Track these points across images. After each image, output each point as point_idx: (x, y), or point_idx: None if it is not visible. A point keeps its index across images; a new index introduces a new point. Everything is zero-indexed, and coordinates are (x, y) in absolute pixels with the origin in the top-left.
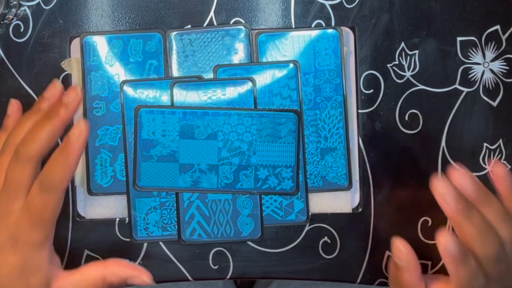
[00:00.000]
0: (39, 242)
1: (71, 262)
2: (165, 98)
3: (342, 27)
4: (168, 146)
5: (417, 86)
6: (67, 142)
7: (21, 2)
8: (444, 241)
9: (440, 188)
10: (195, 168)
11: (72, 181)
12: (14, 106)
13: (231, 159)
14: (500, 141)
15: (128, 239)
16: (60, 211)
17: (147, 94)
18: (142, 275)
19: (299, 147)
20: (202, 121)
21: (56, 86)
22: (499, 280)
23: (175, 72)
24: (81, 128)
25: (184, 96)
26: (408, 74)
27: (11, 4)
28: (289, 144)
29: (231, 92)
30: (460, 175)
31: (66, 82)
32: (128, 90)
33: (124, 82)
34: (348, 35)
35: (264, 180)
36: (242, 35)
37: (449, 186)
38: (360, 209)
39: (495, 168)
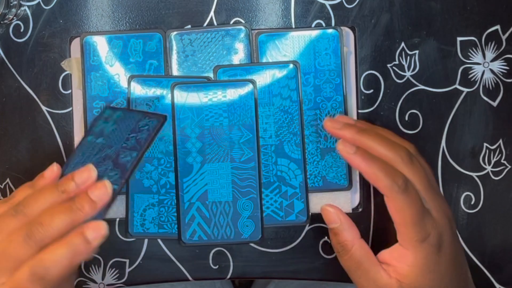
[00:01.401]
0: None
1: None
2: (169, 97)
3: (342, 27)
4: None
5: (417, 86)
6: (80, 239)
7: (21, 2)
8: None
9: (329, 122)
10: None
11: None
12: (54, 172)
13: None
14: (500, 141)
15: (128, 238)
16: None
17: (154, 91)
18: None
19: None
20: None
21: (54, 169)
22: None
23: (175, 72)
24: (102, 233)
25: (184, 97)
26: (408, 74)
27: (11, 4)
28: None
29: (232, 94)
30: (338, 118)
31: (66, 82)
32: (136, 86)
33: (132, 77)
34: (348, 35)
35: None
36: (242, 35)
37: (336, 120)
38: (360, 209)
39: (327, 124)
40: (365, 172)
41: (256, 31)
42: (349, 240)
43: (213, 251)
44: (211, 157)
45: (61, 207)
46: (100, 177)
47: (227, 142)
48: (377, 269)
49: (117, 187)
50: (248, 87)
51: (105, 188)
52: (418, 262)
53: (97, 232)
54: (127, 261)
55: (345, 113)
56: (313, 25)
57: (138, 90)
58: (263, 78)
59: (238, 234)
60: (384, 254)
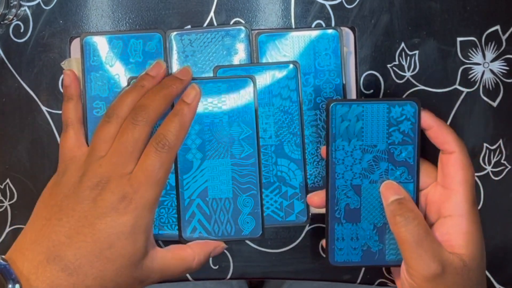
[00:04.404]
0: (151, 202)
1: None
2: None
3: (342, 27)
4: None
5: (417, 86)
6: (182, 103)
7: (21, 2)
8: None
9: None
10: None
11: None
12: (70, 75)
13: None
14: (500, 141)
15: None
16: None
17: None
18: (219, 247)
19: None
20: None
21: (160, 65)
22: None
23: None
24: (197, 90)
25: None
26: (408, 74)
27: (11, 5)
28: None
29: (231, 90)
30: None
31: None
32: None
33: (131, 78)
34: (348, 35)
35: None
36: (242, 35)
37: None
38: None
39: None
40: (439, 125)
41: (256, 31)
42: (416, 207)
43: None
44: (211, 153)
45: (153, 89)
46: (381, 180)
47: (227, 138)
48: (438, 242)
49: (413, 186)
50: (248, 84)
51: (195, 90)
52: (472, 229)
53: (193, 92)
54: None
55: None
56: (313, 26)
57: None
58: (263, 78)
59: (239, 230)
60: (436, 229)
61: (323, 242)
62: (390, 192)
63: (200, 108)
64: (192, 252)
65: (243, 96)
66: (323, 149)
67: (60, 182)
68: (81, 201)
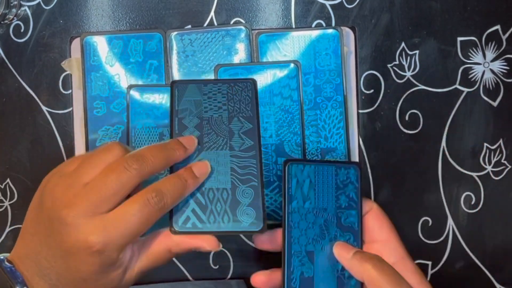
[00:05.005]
0: (118, 248)
1: None
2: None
3: (342, 27)
4: None
5: (417, 86)
6: (191, 173)
7: (21, 2)
8: None
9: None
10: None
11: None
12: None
13: None
14: (500, 141)
15: None
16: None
17: (153, 99)
18: (204, 245)
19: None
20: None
21: (194, 142)
22: None
23: (175, 72)
24: (208, 170)
25: (184, 91)
26: (408, 74)
27: (12, 4)
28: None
29: (232, 89)
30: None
31: (67, 82)
32: (135, 94)
33: (130, 87)
34: (349, 35)
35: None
36: (243, 35)
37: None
38: None
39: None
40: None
41: (256, 31)
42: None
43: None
44: (209, 145)
45: (158, 146)
46: (331, 247)
47: (226, 132)
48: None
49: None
50: (249, 85)
51: (206, 167)
52: (415, 267)
53: (203, 169)
54: None
55: (346, 113)
56: (313, 25)
57: (137, 98)
58: (264, 78)
59: (237, 222)
60: None
61: (256, 278)
62: (346, 248)
63: (199, 104)
64: (167, 245)
65: (244, 95)
66: (255, 278)
67: (40, 196)
68: (52, 233)
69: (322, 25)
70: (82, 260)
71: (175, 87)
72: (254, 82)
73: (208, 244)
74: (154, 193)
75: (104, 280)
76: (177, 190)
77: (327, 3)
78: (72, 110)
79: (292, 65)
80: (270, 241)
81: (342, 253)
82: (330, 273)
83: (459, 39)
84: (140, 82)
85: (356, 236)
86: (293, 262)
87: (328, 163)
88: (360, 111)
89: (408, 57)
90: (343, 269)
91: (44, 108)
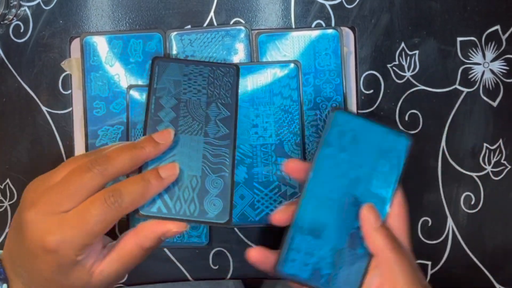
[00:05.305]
0: (76, 248)
1: None
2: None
3: (342, 27)
4: None
5: (417, 86)
6: (156, 174)
7: (21, 2)
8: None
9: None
10: None
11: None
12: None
13: None
14: (500, 141)
15: None
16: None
17: None
18: (171, 227)
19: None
20: None
21: (170, 134)
22: None
23: None
24: (175, 172)
25: (164, 68)
26: (408, 74)
27: (11, 5)
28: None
29: (213, 73)
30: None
31: (66, 82)
32: (135, 94)
33: (130, 87)
34: (348, 35)
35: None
36: (242, 35)
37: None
38: None
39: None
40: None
41: (256, 31)
42: None
43: (213, 251)
44: (184, 128)
45: (123, 146)
46: (354, 204)
47: (203, 117)
48: None
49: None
50: (231, 71)
51: (170, 135)
52: None
53: (170, 170)
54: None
55: None
56: (313, 25)
57: (137, 98)
58: (264, 77)
59: (203, 212)
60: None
61: (251, 253)
62: (375, 216)
63: (179, 84)
64: (136, 241)
65: (225, 81)
66: (288, 163)
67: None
68: (18, 231)
69: (322, 25)
70: (41, 259)
71: (156, 64)
72: (237, 68)
73: (175, 226)
74: (112, 192)
75: (66, 282)
76: (136, 190)
77: (327, 3)
78: (72, 110)
79: (292, 65)
80: (284, 215)
81: (370, 218)
82: (344, 227)
83: (459, 39)
84: (140, 82)
85: (384, 203)
86: (310, 203)
87: (379, 124)
88: (360, 111)
89: (408, 57)
90: (359, 228)
91: (44, 108)
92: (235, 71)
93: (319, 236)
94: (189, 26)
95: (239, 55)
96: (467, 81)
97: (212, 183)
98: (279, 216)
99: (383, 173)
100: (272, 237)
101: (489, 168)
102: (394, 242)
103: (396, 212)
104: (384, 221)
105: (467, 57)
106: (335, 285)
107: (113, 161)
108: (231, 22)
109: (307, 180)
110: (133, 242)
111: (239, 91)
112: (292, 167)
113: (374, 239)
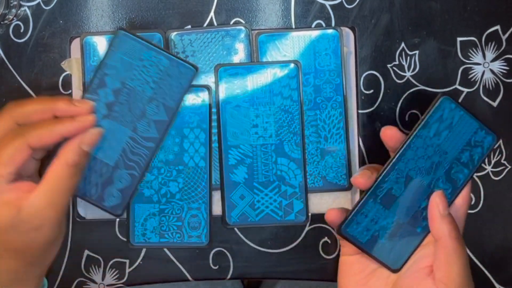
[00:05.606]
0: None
1: (71, 262)
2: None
3: (342, 27)
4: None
5: (417, 86)
6: (69, 118)
7: (21, 2)
8: None
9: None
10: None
11: None
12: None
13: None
14: (500, 141)
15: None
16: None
17: None
18: (86, 136)
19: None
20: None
21: (89, 105)
22: None
23: None
24: (90, 118)
25: (123, 48)
26: (408, 74)
27: (11, 5)
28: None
29: (168, 70)
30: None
31: (66, 83)
32: None
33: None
34: (348, 35)
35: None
36: (242, 35)
37: None
38: None
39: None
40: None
41: (256, 31)
42: None
43: (213, 251)
44: (116, 116)
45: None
46: (428, 185)
47: (139, 111)
48: None
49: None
50: (189, 72)
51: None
52: None
53: (84, 109)
54: (127, 261)
55: (345, 113)
56: (313, 26)
57: None
58: (264, 77)
59: (101, 199)
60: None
61: (330, 213)
62: (444, 204)
63: (131, 68)
64: (62, 161)
65: (178, 82)
66: (386, 130)
67: None
68: None
69: (322, 25)
70: None
71: (117, 37)
72: (195, 71)
73: (90, 134)
74: (21, 129)
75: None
76: (44, 125)
77: (327, 3)
78: None
79: (292, 65)
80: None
81: (439, 203)
82: (412, 205)
83: (459, 39)
84: None
85: (454, 192)
86: (390, 175)
87: (475, 119)
88: (360, 111)
89: (408, 57)
90: (424, 209)
91: None
92: (193, 74)
93: (388, 207)
94: (189, 26)
95: (239, 55)
96: (467, 81)
97: (120, 176)
98: (362, 180)
99: (462, 164)
100: (272, 236)
101: (489, 168)
102: (457, 231)
103: (460, 203)
104: (449, 205)
105: (467, 57)
106: (385, 253)
107: (24, 105)
108: (231, 22)
109: (396, 154)
110: (57, 164)
111: (239, 91)
112: (390, 134)
113: (440, 225)
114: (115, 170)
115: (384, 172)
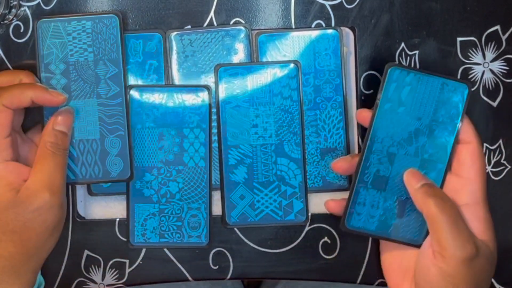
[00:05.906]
0: None
1: (71, 262)
2: (170, 103)
3: (342, 27)
4: None
5: None
6: (49, 95)
7: (21, 2)
8: None
9: None
10: None
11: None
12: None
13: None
14: (500, 141)
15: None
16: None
17: (153, 100)
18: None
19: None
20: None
21: (63, 97)
22: None
23: (175, 72)
24: (69, 118)
25: (48, 32)
26: None
27: (11, 5)
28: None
29: (95, 29)
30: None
31: None
32: (135, 94)
33: (130, 87)
34: (348, 35)
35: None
36: (242, 35)
37: None
38: None
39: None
40: None
41: (256, 31)
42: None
43: (213, 251)
44: (77, 94)
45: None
46: (415, 154)
47: (93, 78)
48: (469, 225)
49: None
50: (114, 21)
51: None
52: (488, 216)
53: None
54: (127, 261)
55: (345, 113)
56: (313, 26)
57: (137, 98)
58: (264, 77)
59: (107, 173)
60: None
61: (329, 203)
62: (416, 178)
63: (65, 46)
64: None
65: (109, 34)
66: (361, 112)
67: None
68: None
69: (321, 26)
70: None
71: (38, 27)
72: (118, 17)
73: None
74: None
75: None
76: (15, 88)
77: (327, 4)
78: None
79: (292, 65)
80: (346, 164)
81: (411, 181)
82: None
83: (459, 39)
84: (139, 82)
85: (444, 154)
86: (371, 159)
87: (435, 75)
88: None
89: (408, 58)
90: None
91: None
92: (117, 21)
93: (383, 189)
94: (189, 26)
95: (239, 55)
96: (467, 81)
97: (111, 143)
98: (341, 164)
99: (442, 123)
100: (272, 236)
101: (489, 168)
102: (436, 198)
103: (469, 163)
104: (446, 170)
105: (467, 57)
106: (402, 233)
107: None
108: (231, 22)
109: (367, 136)
110: (40, 147)
111: (239, 91)
112: (365, 116)
113: (417, 198)
114: (103, 140)
115: (363, 157)
